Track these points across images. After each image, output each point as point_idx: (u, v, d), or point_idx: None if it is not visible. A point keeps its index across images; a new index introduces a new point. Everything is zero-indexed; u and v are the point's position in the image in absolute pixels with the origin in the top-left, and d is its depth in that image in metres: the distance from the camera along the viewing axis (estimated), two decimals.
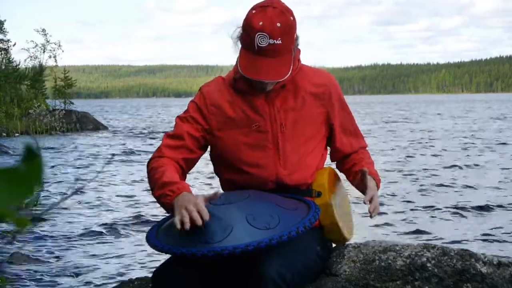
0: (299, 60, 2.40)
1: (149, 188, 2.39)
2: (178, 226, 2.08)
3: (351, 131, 2.55)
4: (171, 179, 2.24)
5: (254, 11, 2.27)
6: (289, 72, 2.29)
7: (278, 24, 2.23)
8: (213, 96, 2.42)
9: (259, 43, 2.23)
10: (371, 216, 2.35)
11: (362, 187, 2.41)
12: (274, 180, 2.39)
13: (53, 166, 12.76)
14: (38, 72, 26.46)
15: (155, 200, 2.32)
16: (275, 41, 2.23)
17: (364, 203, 2.34)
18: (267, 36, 2.22)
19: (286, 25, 2.25)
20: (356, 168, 2.49)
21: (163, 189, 2.24)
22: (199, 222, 2.08)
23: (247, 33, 2.26)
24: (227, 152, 2.41)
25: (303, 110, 2.41)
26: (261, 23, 2.23)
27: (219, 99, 2.41)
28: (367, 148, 2.62)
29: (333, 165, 2.64)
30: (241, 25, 2.30)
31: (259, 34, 2.23)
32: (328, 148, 2.57)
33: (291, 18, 2.28)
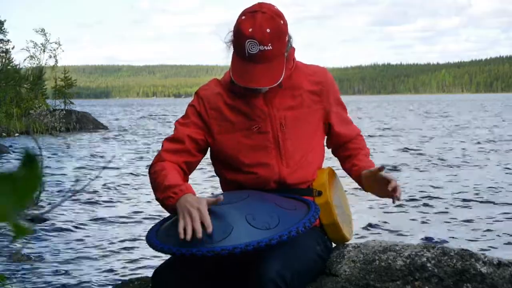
0: (294, 59, 2.40)
1: (150, 189, 2.39)
2: (181, 235, 2.08)
3: (347, 120, 2.58)
4: (174, 181, 2.25)
5: (243, 17, 2.25)
6: (282, 76, 2.28)
7: (268, 30, 2.21)
8: (212, 99, 2.42)
9: (250, 50, 2.22)
10: (398, 199, 2.33)
11: (377, 182, 2.37)
12: (277, 179, 2.39)
13: (52, 167, 12.76)
14: (38, 76, 26.42)
15: (158, 202, 2.32)
16: (265, 47, 2.21)
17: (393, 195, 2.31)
18: (257, 43, 2.20)
19: (276, 30, 2.23)
20: (354, 160, 2.50)
21: (166, 192, 2.24)
22: (199, 234, 2.07)
23: (237, 40, 2.24)
24: (229, 155, 2.41)
25: (301, 108, 2.42)
26: (250, 29, 2.21)
27: (218, 103, 2.41)
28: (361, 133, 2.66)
29: (331, 161, 2.65)
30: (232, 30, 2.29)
31: (249, 41, 2.21)
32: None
33: (281, 22, 2.26)
